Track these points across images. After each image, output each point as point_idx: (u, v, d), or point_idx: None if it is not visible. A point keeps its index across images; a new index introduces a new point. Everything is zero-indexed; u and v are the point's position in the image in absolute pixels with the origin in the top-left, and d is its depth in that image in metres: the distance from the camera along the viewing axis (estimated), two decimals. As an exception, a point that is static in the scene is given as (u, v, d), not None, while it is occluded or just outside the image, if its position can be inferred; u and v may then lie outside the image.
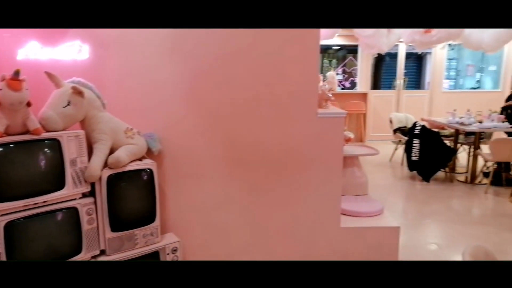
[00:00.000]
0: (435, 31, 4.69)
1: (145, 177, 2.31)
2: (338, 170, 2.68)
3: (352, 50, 9.63)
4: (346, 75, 10.03)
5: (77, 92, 2.07)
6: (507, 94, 7.46)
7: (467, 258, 1.55)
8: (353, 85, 9.81)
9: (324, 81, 4.67)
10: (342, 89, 9.69)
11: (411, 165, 5.83)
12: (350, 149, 3.31)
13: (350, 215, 2.86)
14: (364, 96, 8.83)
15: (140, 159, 2.35)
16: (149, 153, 2.43)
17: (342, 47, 9.80)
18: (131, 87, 2.48)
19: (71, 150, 2.05)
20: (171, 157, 2.55)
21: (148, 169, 2.31)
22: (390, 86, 9.54)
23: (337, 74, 9.81)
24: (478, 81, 10.89)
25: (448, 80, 10.51)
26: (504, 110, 5.85)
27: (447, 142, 6.00)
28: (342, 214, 2.79)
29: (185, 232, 2.59)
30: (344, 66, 10.10)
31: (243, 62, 2.51)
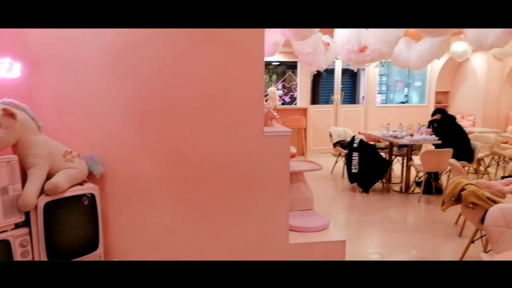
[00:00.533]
0: (369, 51, 4.98)
1: (86, 202, 2.18)
2: (285, 187, 2.72)
3: (291, 65, 9.94)
4: (285, 90, 10.31)
5: (9, 114, 1.92)
6: (431, 108, 8.12)
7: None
8: (293, 99, 10.09)
9: (265, 96, 4.74)
10: (283, 104, 9.93)
11: (352, 177, 6.09)
12: (295, 165, 3.39)
13: (297, 231, 2.90)
14: (304, 111, 9.12)
15: (81, 184, 2.22)
16: (90, 176, 2.30)
17: (282, 63, 10.07)
18: (69, 108, 2.34)
19: (2, 177, 1.88)
20: (114, 180, 2.44)
21: (90, 193, 2.19)
22: (327, 101, 9.95)
23: (278, 89, 10.05)
24: (406, 96, 11.75)
25: (380, 95, 11.21)
26: (430, 124, 6.32)
27: (383, 154, 6.36)
28: (290, 230, 2.82)
29: (131, 258, 2.48)
30: (283, 81, 10.37)
31: (188, 81, 2.48)
